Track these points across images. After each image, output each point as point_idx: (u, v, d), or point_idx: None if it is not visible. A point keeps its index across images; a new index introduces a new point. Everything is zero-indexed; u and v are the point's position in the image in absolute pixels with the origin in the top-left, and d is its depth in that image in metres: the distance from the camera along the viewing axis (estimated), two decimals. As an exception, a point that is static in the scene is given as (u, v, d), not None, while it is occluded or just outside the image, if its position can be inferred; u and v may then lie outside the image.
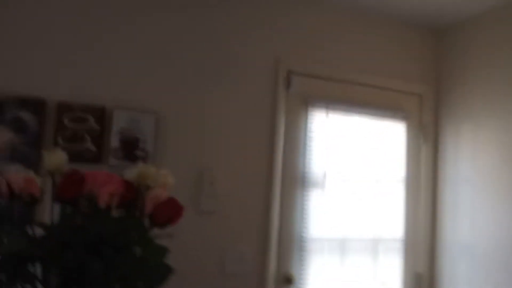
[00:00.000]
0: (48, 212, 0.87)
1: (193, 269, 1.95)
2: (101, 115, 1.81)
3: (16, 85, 1.74)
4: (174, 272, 1.02)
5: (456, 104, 2.43)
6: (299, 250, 2.16)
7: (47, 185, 0.95)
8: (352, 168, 2.31)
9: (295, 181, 2.19)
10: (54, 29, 1.82)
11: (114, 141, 1.82)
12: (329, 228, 2.23)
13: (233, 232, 2.04)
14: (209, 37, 2.07)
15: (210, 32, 2.07)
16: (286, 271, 2.13)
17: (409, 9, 2.35)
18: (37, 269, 0.89)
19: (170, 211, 0.92)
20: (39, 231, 0.91)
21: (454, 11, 2.33)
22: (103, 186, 0.88)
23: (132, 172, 0.98)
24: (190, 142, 1.99)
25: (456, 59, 2.47)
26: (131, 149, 1.84)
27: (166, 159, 1.93)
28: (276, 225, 2.12)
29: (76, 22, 1.86)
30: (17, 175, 0.90)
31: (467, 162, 2.33)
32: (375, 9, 2.37)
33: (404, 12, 2.38)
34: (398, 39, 2.50)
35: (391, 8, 2.35)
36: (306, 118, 2.23)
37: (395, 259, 2.39)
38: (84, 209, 0.87)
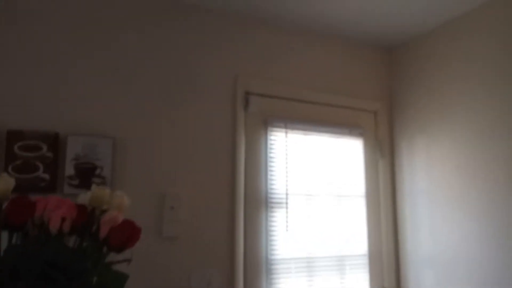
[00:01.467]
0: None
1: (158, 298, 1.88)
2: (54, 142, 1.74)
3: (-38, 114, 1.66)
4: (133, 298, 0.99)
5: (410, 119, 2.53)
6: (267, 272, 2.14)
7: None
8: (314, 186, 2.33)
9: (258, 201, 2.18)
10: (1, 53, 1.77)
11: (69, 169, 1.76)
12: (295, 248, 2.23)
13: (198, 257, 1.99)
14: (166, 59, 2.07)
15: (167, 54, 2.07)
16: (254, 295, 2.10)
17: (363, 29, 2.45)
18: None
19: (126, 234, 0.88)
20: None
21: (405, 29, 2.45)
22: (54, 211, 0.84)
23: (85, 196, 0.94)
24: (150, 166, 1.96)
25: (408, 76, 2.58)
26: (87, 176, 1.78)
27: (125, 185, 1.88)
28: (242, 248, 2.09)
29: (25, 46, 1.81)
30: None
31: (422, 174, 2.40)
32: (330, 29, 2.45)
33: (358, 31, 2.48)
34: (353, 58, 2.59)
35: (345, 28, 2.44)
36: (266, 138, 2.25)
37: (361, 275, 2.41)
38: (34, 235, 0.83)
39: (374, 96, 2.63)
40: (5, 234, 0.83)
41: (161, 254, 1.92)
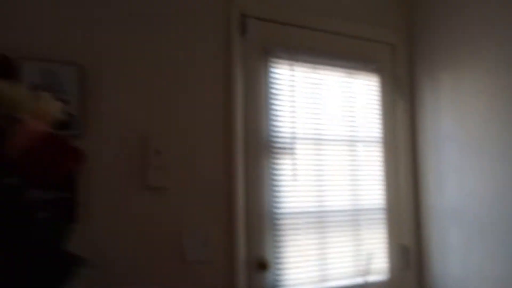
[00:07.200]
0: None
1: (148, 257, 1.59)
2: (6, 67, 1.40)
3: None
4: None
5: (433, 53, 2.18)
6: (272, 229, 1.84)
7: None
8: (323, 130, 2.00)
9: (260, 147, 1.86)
10: None
11: (26, 104, 1.42)
12: (303, 201, 1.92)
13: (192, 212, 1.69)
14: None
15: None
16: (259, 255, 1.80)
17: None
18: None
19: (50, 154, 0.55)
20: None
21: None
22: None
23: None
24: (128, 102, 1.61)
25: (430, 3, 2.20)
26: (49, 113, 1.44)
27: (98, 124, 1.55)
28: (242, 201, 1.78)
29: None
30: None
31: (449, 117, 2.08)
32: None
33: None
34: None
35: None
36: (267, 71, 1.89)
37: (378, 230, 2.12)
38: None
39: (392, 26, 2.26)
40: None
41: (146, 207, 1.61)
